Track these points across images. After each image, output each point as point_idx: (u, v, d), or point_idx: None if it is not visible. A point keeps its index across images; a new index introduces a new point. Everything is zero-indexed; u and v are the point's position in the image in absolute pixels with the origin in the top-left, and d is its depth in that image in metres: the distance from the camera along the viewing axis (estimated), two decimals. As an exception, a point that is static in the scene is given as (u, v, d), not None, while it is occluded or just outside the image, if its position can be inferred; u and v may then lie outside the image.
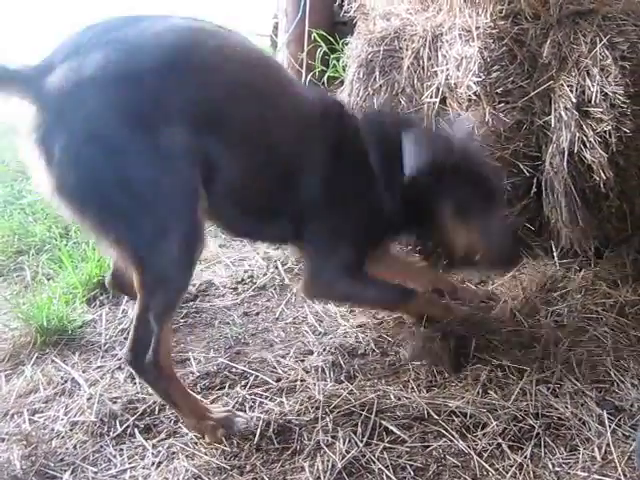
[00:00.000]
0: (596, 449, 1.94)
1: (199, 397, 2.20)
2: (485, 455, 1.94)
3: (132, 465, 2.00)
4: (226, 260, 3.10)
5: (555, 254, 2.82)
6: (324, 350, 2.43)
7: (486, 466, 1.90)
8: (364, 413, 2.08)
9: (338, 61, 4.12)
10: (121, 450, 2.05)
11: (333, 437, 2.01)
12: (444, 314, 2.43)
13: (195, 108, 1.98)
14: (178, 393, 2.09)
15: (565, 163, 2.64)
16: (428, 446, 1.98)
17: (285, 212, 2.31)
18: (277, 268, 3.01)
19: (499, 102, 2.71)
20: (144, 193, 1.92)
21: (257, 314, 2.73)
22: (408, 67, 2.89)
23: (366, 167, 2.30)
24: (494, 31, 2.72)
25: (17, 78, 1.87)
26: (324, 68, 4.33)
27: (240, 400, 2.21)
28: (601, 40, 2.57)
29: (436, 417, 2.06)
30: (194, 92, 1.98)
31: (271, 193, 2.25)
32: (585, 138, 2.58)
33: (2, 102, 1.88)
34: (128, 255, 1.98)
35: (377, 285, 2.46)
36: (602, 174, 2.58)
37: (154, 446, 2.05)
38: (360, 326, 2.57)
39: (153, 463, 1.99)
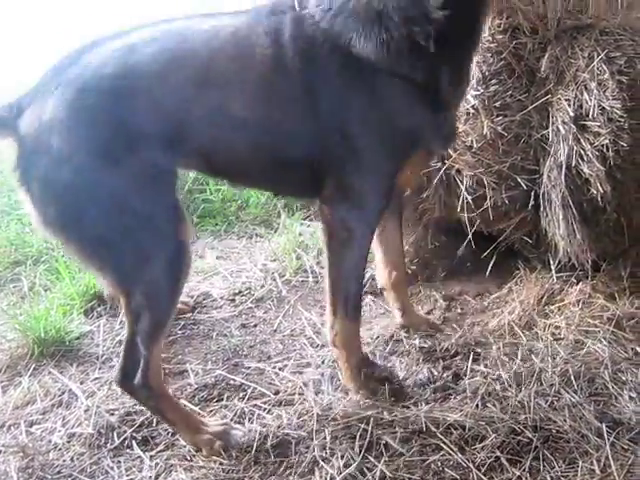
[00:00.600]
0: (595, 462, 1.93)
1: (196, 409, 2.20)
2: (484, 468, 1.93)
3: (130, 477, 2.00)
4: (224, 272, 3.10)
5: (553, 267, 2.82)
6: (322, 362, 2.43)
7: (485, 479, 1.90)
8: (362, 426, 2.07)
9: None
10: (119, 462, 2.05)
11: (331, 450, 2.00)
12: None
13: (159, 124, 1.97)
14: (170, 410, 2.09)
15: (563, 176, 2.65)
16: (426, 459, 1.97)
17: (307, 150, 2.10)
18: (275, 280, 3.01)
19: (497, 115, 2.72)
20: (120, 221, 1.94)
21: (255, 326, 2.73)
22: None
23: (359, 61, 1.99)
24: (492, 45, 2.73)
25: None
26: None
27: (238, 412, 2.21)
28: (599, 55, 2.58)
29: (434, 430, 2.05)
30: (152, 110, 1.97)
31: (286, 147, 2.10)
32: (583, 152, 2.59)
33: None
34: (113, 282, 2.02)
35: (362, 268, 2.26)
36: (599, 188, 2.58)
37: (152, 458, 2.05)
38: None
39: (151, 476, 1.98)
